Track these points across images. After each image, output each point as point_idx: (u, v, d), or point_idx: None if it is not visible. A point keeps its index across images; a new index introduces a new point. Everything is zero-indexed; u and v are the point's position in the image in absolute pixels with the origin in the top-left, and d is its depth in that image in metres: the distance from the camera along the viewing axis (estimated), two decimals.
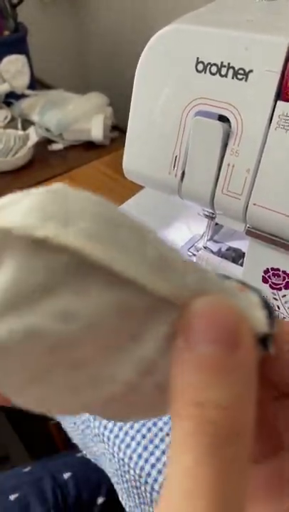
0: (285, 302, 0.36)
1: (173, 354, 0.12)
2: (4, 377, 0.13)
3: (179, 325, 0.12)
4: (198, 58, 0.30)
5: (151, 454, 0.48)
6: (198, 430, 0.12)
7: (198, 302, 0.12)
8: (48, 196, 0.13)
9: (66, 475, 0.61)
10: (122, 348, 0.13)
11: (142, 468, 0.47)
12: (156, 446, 0.48)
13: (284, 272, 0.34)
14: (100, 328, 0.12)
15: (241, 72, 0.29)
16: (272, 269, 0.35)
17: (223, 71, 0.29)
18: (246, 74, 0.28)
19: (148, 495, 0.47)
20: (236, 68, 0.29)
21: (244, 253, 0.37)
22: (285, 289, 0.35)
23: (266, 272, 0.35)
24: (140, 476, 0.47)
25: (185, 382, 0.12)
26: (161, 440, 0.49)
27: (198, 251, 0.43)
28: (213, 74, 0.30)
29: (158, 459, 0.48)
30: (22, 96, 0.97)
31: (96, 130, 0.90)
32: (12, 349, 0.12)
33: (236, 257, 0.42)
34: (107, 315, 0.12)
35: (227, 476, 0.11)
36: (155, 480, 0.46)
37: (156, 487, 0.46)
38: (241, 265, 0.39)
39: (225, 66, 0.29)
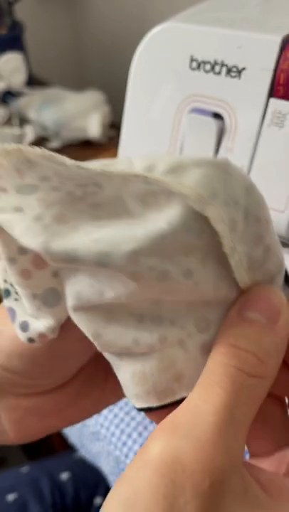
0: None
1: (225, 320, 0.16)
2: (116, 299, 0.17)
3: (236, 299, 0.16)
4: (192, 56, 0.30)
5: None
6: (229, 362, 0.15)
7: (257, 287, 0.16)
8: (216, 172, 0.16)
9: (64, 475, 0.61)
10: (197, 309, 0.17)
11: None
12: None
13: None
14: (198, 289, 0.16)
15: (234, 69, 0.29)
16: None
17: (217, 69, 0.29)
18: (239, 71, 0.29)
19: None
20: (230, 66, 0.29)
21: None
22: None
23: None
24: None
25: (229, 333, 0.16)
26: None
27: None
28: (207, 71, 0.30)
29: None
30: (19, 94, 0.97)
31: (93, 128, 0.90)
32: (141, 280, 0.16)
33: None
34: (207, 284, 0.16)
35: (239, 400, 0.14)
36: None
37: None
38: None
39: (218, 64, 0.29)
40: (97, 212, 0.17)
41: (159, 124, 0.34)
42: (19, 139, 0.85)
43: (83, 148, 0.91)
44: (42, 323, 0.18)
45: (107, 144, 0.93)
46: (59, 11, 1.26)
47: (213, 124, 0.30)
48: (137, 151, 0.36)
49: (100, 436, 0.48)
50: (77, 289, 0.17)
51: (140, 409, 0.18)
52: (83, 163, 0.17)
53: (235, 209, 0.16)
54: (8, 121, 0.93)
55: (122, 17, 1.12)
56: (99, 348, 0.18)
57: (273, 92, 0.28)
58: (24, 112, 0.94)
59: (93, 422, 0.49)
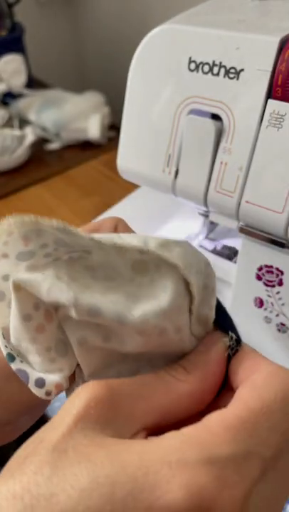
0: (279, 299, 0.36)
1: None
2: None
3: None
4: (190, 57, 0.30)
5: None
6: (165, 371, 0.20)
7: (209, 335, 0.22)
8: (190, 249, 0.21)
9: None
10: (169, 355, 0.21)
11: None
12: None
13: (277, 269, 0.35)
14: (181, 343, 0.21)
15: (233, 71, 0.29)
16: (266, 266, 0.35)
17: (215, 70, 0.30)
18: (238, 73, 0.29)
19: None
20: (228, 67, 0.29)
21: (238, 251, 0.37)
22: (279, 285, 0.36)
23: (260, 269, 0.36)
24: None
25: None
26: None
27: None
28: (206, 73, 0.30)
29: None
30: (19, 95, 0.98)
31: (93, 129, 0.90)
32: (146, 335, 0.19)
33: (231, 254, 0.43)
34: (186, 337, 0.21)
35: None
36: None
37: None
38: (236, 263, 0.39)
39: (217, 65, 0.29)
40: (94, 273, 0.20)
41: (158, 125, 0.34)
42: (19, 140, 0.85)
43: (83, 149, 0.91)
44: (57, 375, 0.21)
45: (107, 144, 0.93)
46: (59, 12, 1.26)
47: (211, 125, 0.30)
48: (137, 153, 0.36)
49: None
50: (82, 335, 0.20)
51: None
52: (96, 235, 0.21)
53: (200, 277, 0.21)
54: (8, 123, 0.93)
55: (122, 19, 1.13)
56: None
57: (271, 94, 0.28)
58: (24, 113, 0.94)
59: None
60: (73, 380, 0.22)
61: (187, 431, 0.17)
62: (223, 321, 0.23)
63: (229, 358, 0.21)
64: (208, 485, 0.15)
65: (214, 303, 0.23)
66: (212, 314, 0.23)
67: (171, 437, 0.16)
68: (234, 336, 0.22)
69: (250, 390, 0.18)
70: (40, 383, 0.20)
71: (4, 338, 0.21)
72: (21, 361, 0.21)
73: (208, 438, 0.16)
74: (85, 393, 0.17)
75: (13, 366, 0.20)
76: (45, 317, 0.20)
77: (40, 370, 0.21)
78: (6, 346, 0.21)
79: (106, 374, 0.21)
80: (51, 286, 0.19)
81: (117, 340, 0.20)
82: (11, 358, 0.21)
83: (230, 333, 0.22)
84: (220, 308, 0.23)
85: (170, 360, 0.22)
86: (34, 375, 0.20)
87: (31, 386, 0.20)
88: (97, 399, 0.17)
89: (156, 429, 0.18)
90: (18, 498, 0.15)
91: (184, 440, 0.16)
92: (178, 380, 0.20)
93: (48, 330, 0.20)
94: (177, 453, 0.15)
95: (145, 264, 0.21)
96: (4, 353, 0.21)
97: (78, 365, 0.21)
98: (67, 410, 0.17)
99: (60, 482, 0.15)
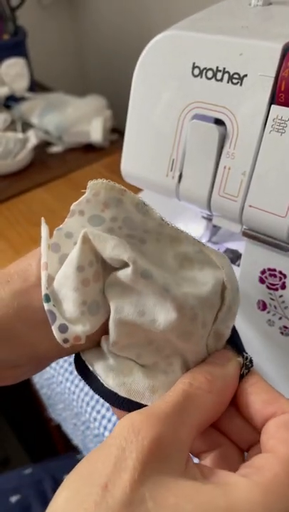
0: (282, 302, 0.37)
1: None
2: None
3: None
4: (194, 63, 0.31)
5: None
6: (184, 379, 0.22)
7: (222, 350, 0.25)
8: (231, 266, 0.25)
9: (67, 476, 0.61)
10: (186, 353, 0.24)
11: None
12: None
13: (280, 273, 0.35)
14: (200, 339, 0.24)
15: (236, 76, 0.29)
16: (269, 269, 0.35)
17: (219, 76, 0.30)
18: (241, 78, 0.29)
19: None
20: (231, 73, 0.29)
21: (241, 254, 0.37)
22: (282, 289, 0.36)
23: (263, 272, 0.36)
24: None
25: (195, 368, 0.23)
26: None
27: None
28: (209, 78, 0.30)
29: None
30: (22, 99, 0.98)
31: (95, 133, 0.90)
32: (181, 313, 0.22)
33: (234, 258, 0.43)
34: (204, 338, 0.24)
35: (188, 402, 0.20)
36: None
37: None
38: (239, 266, 0.39)
39: (220, 71, 0.30)
40: (145, 257, 0.23)
41: (162, 130, 0.34)
42: (22, 143, 0.86)
43: (85, 152, 0.92)
44: (80, 328, 0.23)
45: (109, 148, 0.93)
46: (61, 16, 1.27)
47: (215, 130, 0.31)
48: (140, 157, 0.36)
49: (104, 438, 0.48)
50: (121, 305, 0.22)
51: (108, 393, 0.23)
52: (159, 226, 0.24)
53: (232, 295, 0.24)
54: (10, 126, 0.94)
55: (124, 23, 1.13)
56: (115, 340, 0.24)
57: (275, 99, 0.28)
58: (27, 116, 0.95)
59: (97, 425, 0.50)
60: (97, 346, 0.24)
61: (258, 480, 0.18)
62: (236, 342, 0.25)
63: (241, 377, 0.23)
64: None
65: (232, 324, 0.25)
66: (228, 333, 0.25)
67: (246, 485, 0.17)
68: (249, 357, 0.24)
69: None
70: (63, 329, 0.22)
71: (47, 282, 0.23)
72: (54, 305, 0.23)
73: (279, 489, 0.17)
74: (146, 434, 0.18)
75: (46, 306, 0.22)
76: (94, 275, 0.23)
77: (67, 319, 0.23)
78: (46, 288, 0.23)
79: (128, 350, 0.24)
80: (117, 244, 0.22)
81: (150, 317, 0.22)
82: (47, 298, 0.23)
83: (245, 353, 0.24)
84: (234, 331, 0.26)
85: (184, 362, 0.24)
86: (60, 320, 0.22)
87: (54, 328, 0.22)
88: (156, 438, 0.18)
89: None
90: None
91: (258, 488, 0.17)
92: (205, 391, 0.21)
93: (91, 287, 0.23)
94: (261, 506, 0.17)
95: (191, 262, 0.24)
96: (43, 293, 0.23)
97: (105, 336, 0.24)
98: (126, 450, 0.17)
99: None
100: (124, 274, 0.22)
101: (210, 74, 0.30)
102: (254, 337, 0.41)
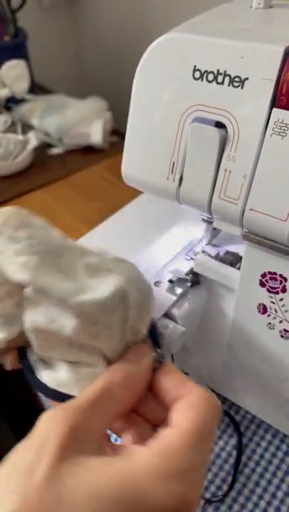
0: (282, 306, 0.36)
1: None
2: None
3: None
4: (195, 66, 0.31)
5: None
6: (104, 377, 0.26)
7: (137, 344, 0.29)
8: (136, 269, 0.30)
9: None
10: (101, 349, 0.27)
11: None
12: None
13: (281, 276, 0.35)
14: (108, 341, 0.27)
15: (237, 79, 0.29)
16: (269, 273, 0.35)
17: (220, 79, 0.30)
18: (242, 81, 0.29)
19: None
20: (232, 76, 0.29)
21: (242, 257, 0.37)
22: (282, 292, 0.36)
23: (263, 275, 0.36)
24: None
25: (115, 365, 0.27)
26: None
27: (196, 255, 0.44)
28: (210, 81, 0.30)
29: None
30: (22, 100, 0.98)
31: (95, 135, 0.90)
32: (82, 319, 0.25)
33: (234, 261, 0.43)
34: (114, 337, 0.27)
35: (104, 396, 0.24)
36: None
37: None
38: (239, 269, 0.39)
39: (221, 74, 0.30)
40: (59, 268, 0.26)
41: (162, 133, 0.34)
42: (22, 145, 0.86)
43: (85, 153, 0.92)
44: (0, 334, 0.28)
45: (109, 149, 0.93)
46: (62, 18, 1.27)
47: (215, 133, 0.31)
48: (141, 160, 0.36)
49: None
50: (34, 315, 0.26)
51: (42, 385, 0.28)
52: (67, 241, 0.29)
53: (140, 295, 0.27)
54: (11, 128, 0.94)
55: (124, 25, 1.13)
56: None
57: (276, 102, 0.28)
58: (27, 118, 0.95)
59: None
60: (25, 356, 0.29)
61: (157, 448, 0.22)
62: (154, 339, 0.29)
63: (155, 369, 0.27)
64: (185, 493, 0.21)
65: (148, 320, 0.29)
66: (144, 329, 0.29)
67: (146, 454, 0.22)
68: (161, 353, 0.28)
69: (195, 412, 0.24)
70: None
71: None
72: None
73: (175, 453, 0.22)
74: (61, 423, 0.22)
75: None
76: (7, 293, 0.27)
77: None
78: None
79: (51, 352, 0.27)
80: (18, 268, 0.25)
81: (58, 325, 0.25)
82: None
83: (158, 350, 0.28)
84: (154, 328, 0.30)
85: (105, 356, 0.27)
86: None
87: None
88: (71, 427, 0.22)
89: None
90: None
91: (156, 454, 0.22)
92: (121, 388, 0.25)
93: (6, 303, 0.27)
94: (158, 468, 0.21)
95: (96, 272, 0.27)
96: None
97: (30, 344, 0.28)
98: (45, 439, 0.21)
99: (66, 503, 0.19)
100: (28, 291, 0.25)
101: (211, 77, 0.30)
102: (254, 340, 0.41)
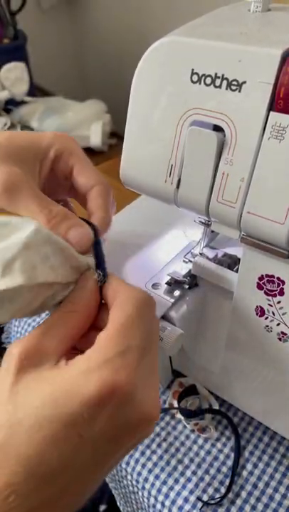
0: (280, 308, 0.37)
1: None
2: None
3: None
4: (193, 69, 0.31)
5: (149, 459, 0.48)
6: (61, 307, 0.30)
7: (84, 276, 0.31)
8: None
9: None
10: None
11: (139, 474, 0.48)
12: (154, 452, 0.49)
13: (278, 279, 0.35)
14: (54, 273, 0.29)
15: (235, 83, 0.29)
16: (267, 275, 0.35)
17: (218, 82, 0.30)
18: (240, 85, 0.29)
19: (145, 500, 0.47)
20: (230, 79, 0.29)
21: (239, 259, 0.37)
22: (280, 295, 0.36)
23: (261, 278, 0.36)
24: (138, 482, 0.48)
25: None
26: (158, 445, 0.49)
27: (194, 257, 0.44)
28: (208, 85, 0.30)
29: (155, 464, 0.48)
30: (21, 103, 0.98)
31: (95, 137, 0.90)
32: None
33: (232, 263, 0.43)
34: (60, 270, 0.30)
35: (57, 320, 0.29)
36: (152, 485, 0.46)
37: (153, 492, 0.46)
38: (237, 271, 0.39)
39: (219, 77, 0.30)
40: None
41: (160, 136, 0.34)
42: None
43: None
44: None
45: (108, 152, 0.93)
46: (61, 20, 1.27)
47: (213, 136, 0.31)
48: (139, 163, 0.36)
49: None
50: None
51: None
52: None
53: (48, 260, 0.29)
54: (10, 130, 0.94)
55: (123, 27, 1.14)
56: None
57: (273, 106, 0.28)
58: (26, 120, 0.95)
59: None
60: None
61: (88, 351, 0.26)
62: (97, 259, 0.32)
63: (101, 288, 0.30)
64: (111, 376, 0.24)
65: (73, 256, 0.30)
66: (78, 259, 0.30)
67: (81, 360, 0.26)
68: (100, 273, 0.31)
69: (119, 310, 0.27)
70: None
71: None
72: None
73: (99, 349, 0.26)
74: (15, 350, 0.26)
75: None
76: None
77: None
78: None
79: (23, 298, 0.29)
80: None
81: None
82: None
83: (97, 271, 0.31)
84: (97, 249, 0.32)
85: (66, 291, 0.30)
86: None
87: None
88: (25, 353, 0.26)
89: (71, 350, 0.28)
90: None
91: (85, 356, 0.26)
92: (71, 312, 0.29)
93: None
94: (84, 365, 0.25)
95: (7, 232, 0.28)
96: None
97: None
98: (8, 364, 0.26)
99: (23, 409, 0.24)
100: None
101: (208, 80, 0.30)
102: (252, 343, 0.41)
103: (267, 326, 0.38)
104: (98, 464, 0.25)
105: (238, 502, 0.44)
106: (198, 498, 0.45)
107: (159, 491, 0.46)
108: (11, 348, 0.26)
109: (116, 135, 0.96)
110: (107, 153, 0.94)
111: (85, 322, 0.29)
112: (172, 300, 0.42)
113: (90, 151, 0.94)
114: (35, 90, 1.08)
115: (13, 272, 0.27)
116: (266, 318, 0.38)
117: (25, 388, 0.25)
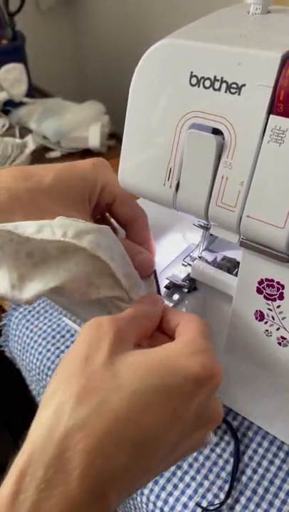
0: (280, 313, 0.36)
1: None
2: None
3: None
4: (192, 72, 0.30)
5: None
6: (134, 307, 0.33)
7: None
8: (100, 235, 0.33)
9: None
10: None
11: None
12: None
13: (278, 283, 0.35)
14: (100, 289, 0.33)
15: (234, 86, 0.29)
16: (267, 279, 0.35)
17: (217, 85, 0.30)
18: (239, 88, 0.29)
19: (144, 506, 0.47)
20: (229, 82, 0.29)
21: (239, 263, 0.37)
22: (279, 299, 0.35)
23: (260, 282, 0.36)
24: None
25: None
26: None
27: (193, 261, 0.43)
28: (207, 88, 0.30)
29: None
30: (20, 104, 0.98)
31: (93, 138, 0.90)
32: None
33: (231, 267, 0.42)
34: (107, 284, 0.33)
35: (136, 318, 0.31)
36: (151, 490, 0.46)
37: (152, 498, 0.46)
38: (236, 275, 0.39)
39: (218, 80, 0.29)
40: (33, 259, 0.31)
41: (159, 139, 0.34)
42: (20, 148, 0.86)
43: (83, 157, 0.91)
44: None
45: (107, 153, 0.93)
46: (60, 22, 1.27)
47: (212, 139, 0.30)
48: (137, 166, 0.36)
49: None
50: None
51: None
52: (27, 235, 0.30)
53: (110, 251, 0.32)
54: (9, 131, 0.94)
55: (122, 29, 1.13)
56: None
57: (273, 109, 0.28)
58: (25, 121, 0.94)
59: None
60: None
61: (180, 340, 0.30)
62: (158, 288, 0.38)
63: None
64: (211, 363, 0.28)
65: (129, 265, 0.34)
66: (132, 271, 0.34)
67: (174, 343, 0.29)
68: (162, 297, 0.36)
69: (194, 322, 0.31)
70: None
71: None
72: None
73: (194, 340, 0.29)
74: (110, 328, 0.28)
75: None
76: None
77: None
78: None
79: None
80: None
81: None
82: None
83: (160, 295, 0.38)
84: (155, 277, 0.38)
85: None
86: None
87: None
88: (120, 330, 0.28)
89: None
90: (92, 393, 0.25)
91: (181, 342, 0.29)
92: (145, 319, 0.32)
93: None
94: (187, 348, 0.28)
95: (66, 248, 0.31)
96: None
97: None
98: (99, 338, 0.27)
99: (124, 377, 0.26)
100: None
101: (208, 83, 0.30)
102: (252, 347, 0.41)
103: (266, 330, 0.38)
104: (174, 449, 0.27)
105: (238, 508, 0.44)
106: (198, 504, 0.45)
107: (157, 496, 0.46)
108: (100, 322, 0.29)
109: (115, 136, 0.96)
110: (105, 154, 0.93)
111: (152, 328, 0.33)
112: (171, 304, 0.42)
113: (88, 153, 0.93)
114: (34, 91, 1.07)
115: (81, 239, 0.30)
116: (266, 322, 0.37)
117: (123, 360, 0.27)
